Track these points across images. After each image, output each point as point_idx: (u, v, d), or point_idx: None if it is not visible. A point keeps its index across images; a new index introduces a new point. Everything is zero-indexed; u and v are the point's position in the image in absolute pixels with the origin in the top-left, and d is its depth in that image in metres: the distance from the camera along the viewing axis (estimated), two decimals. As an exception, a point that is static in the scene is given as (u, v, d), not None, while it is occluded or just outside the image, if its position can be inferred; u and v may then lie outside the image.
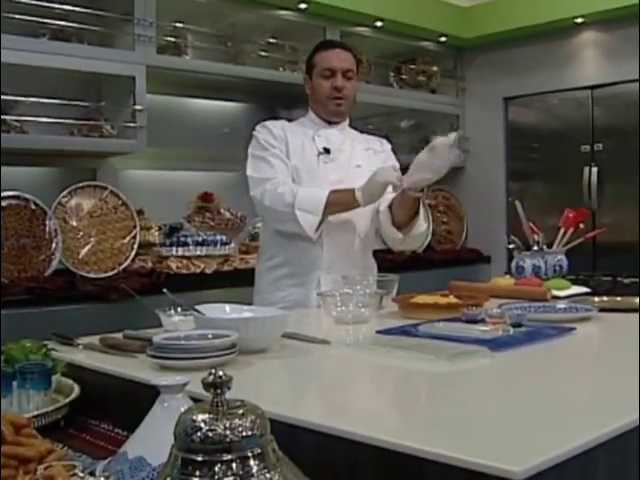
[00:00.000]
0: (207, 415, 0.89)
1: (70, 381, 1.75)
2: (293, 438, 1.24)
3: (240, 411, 0.90)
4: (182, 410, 1.16)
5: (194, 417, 0.89)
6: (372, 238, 3.08)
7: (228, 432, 0.87)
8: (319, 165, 2.96)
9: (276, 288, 2.98)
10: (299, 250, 2.90)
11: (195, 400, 1.15)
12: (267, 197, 2.85)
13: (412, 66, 5.84)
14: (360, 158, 3.04)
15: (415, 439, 1.12)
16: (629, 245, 5.10)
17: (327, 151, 2.98)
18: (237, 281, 4.03)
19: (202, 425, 0.88)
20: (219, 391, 0.90)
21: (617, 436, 1.20)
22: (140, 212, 4.20)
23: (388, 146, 3.21)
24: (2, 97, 3.60)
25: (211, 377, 0.91)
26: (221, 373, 0.91)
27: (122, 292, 3.42)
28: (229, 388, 0.91)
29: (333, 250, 2.90)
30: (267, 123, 3.07)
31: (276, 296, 2.94)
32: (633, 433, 1.24)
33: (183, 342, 1.69)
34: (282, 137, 2.99)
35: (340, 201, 2.81)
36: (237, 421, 0.88)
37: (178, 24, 4.41)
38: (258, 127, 3.08)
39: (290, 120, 3.18)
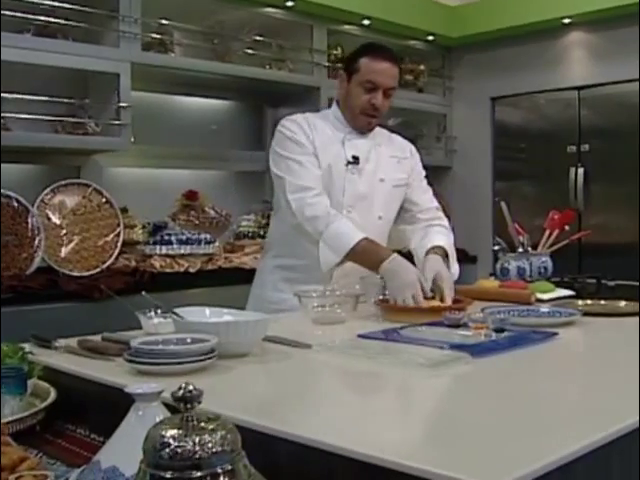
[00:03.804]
0: (176, 430, 0.87)
1: (47, 385, 1.73)
2: (270, 448, 1.22)
3: (210, 426, 0.88)
4: (157, 419, 1.15)
5: (163, 432, 0.87)
6: None
7: (197, 448, 0.85)
8: (346, 175, 2.81)
9: (278, 289, 2.86)
10: (310, 259, 2.70)
11: (173, 407, 1.13)
12: (307, 211, 2.66)
13: (399, 60, 5.81)
14: (384, 170, 2.89)
15: (393, 452, 1.11)
16: (615, 246, 5.10)
17: (356, 160, 2.82)
18: (221, 280, 4.02)
19: (171, 441, 0.86)
20: (189, 405, 0.88)
21: (599, 447, 1.19)
22: (124, 210, 4.16)
23: (416, 154, 3.08)
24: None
25: (181, 391, 0.89)
26: (191, 387, 0.89)
27: (105, 291, 3.39)
28: (199, 402, 0.90)
29: (346, 265, 2.72)
30: (295, 118, 2.85)
31: (275, 296, 2.85)
32: (615, 444, 1.23)
33: (161, 347, 1.67)
34: (311, 136, 2.79)
35: (364, 259, 2.63)
36: (207, 437, 0.86)
37: (164, 21, 4.38)
38: (286, 122, 2.84)
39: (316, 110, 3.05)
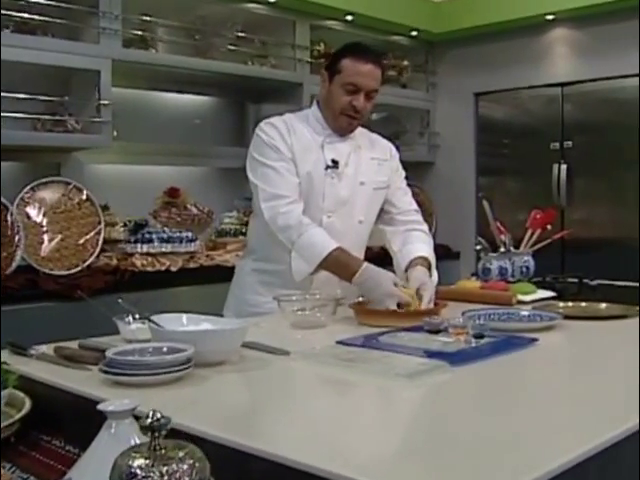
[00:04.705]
0: (143, 460, 0.85)
1: (22, 394, 1.71)
2: (243, 465, 1.21)
3: (179, 455, 0.87)
4: (129, 436, 1.13)
5: (130, 462, 0.86)
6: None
7: (165, 478, 0.84)
8: (326, 180, 2.76)
9: (257, 292, 2.84)
10: (289, 265, 2.67)
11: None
12: (280, 220, 2.64)
13: (383, 60, 5.79)
14: (365, 173, 2.85)
15: (372, 472, 1.10)
16: (598, 242, 5.12)
17: (335, 164, 2.78)
18: (203, 278, 4.01)
19: (138, 471, 0.84)
20: (157, 434, 0.87)
21: (582, 462, 1.18)
22: (105, 208, 4.14)
23: (396, 154, 3.05)
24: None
25: (148, 420, 0.87)
26: (159, 415, 0.87)
27: (86, 290, 3.36)
28: (167, 430, 0.88)
29: (325, 272, 2.70)
30: (274, 121, 2.79)
31: (254, 299, 2.82)
32: (596, 458, 1.22)
33: (136, 357, 1.65)
34: (290, 141, 2.74)
35: (337, 270, 2.63)
36: (174, 466, 0.85)
37: (145, 17, 4.34)
38: (264, 126, 2.78)
39: (292, 111, 2.95)
